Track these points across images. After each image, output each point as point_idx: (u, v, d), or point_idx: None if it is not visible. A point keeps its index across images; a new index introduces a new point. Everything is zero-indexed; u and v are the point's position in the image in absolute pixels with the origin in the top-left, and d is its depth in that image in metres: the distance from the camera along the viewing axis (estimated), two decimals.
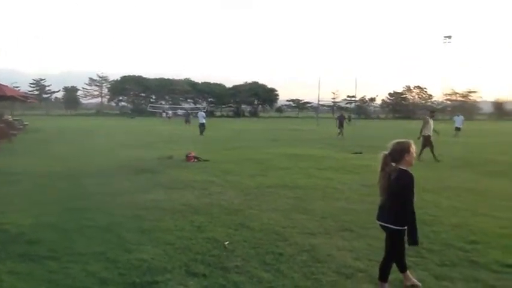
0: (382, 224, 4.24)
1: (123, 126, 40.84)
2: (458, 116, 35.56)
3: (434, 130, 16.48)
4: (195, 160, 14.31)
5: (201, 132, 28.37)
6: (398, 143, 4.28)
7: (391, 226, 4.14)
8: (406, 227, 4.11)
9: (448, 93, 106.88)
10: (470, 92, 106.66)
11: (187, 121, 43.82)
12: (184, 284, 4.33)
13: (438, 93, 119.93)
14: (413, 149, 4.25)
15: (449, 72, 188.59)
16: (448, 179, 11.34)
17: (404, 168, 4.15)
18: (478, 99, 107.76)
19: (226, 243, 5.59)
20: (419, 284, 4.37)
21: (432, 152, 15.74)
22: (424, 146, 15.92)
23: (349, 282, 4.43)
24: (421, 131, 16.35)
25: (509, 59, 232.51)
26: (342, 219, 6.93)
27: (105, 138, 25.15)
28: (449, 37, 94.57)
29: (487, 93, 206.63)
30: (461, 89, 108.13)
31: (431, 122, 16.51)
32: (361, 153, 17.85)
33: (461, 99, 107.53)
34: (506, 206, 8.07)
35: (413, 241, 4.13)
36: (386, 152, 4.24)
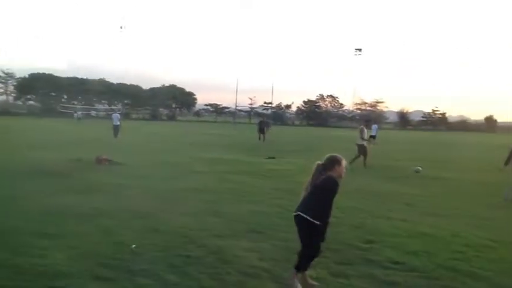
0: (301, 215, 4.50)
1: (30, 127, 38.49)
2: (374, 124, 37.41)
3: (362, 139, 17.05)
4: (107, 163, 13.94)
5: (115, 134, 27.57)
6: (332, 155, 4.75)
7: (309, 219, 4.47)
8: (319, 223, 4.49)
9: (358, 102, 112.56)
10: (377, 102, 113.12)
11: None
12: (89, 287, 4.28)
13: (349, 103, 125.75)
14: (344, 163, 4.70)
15: (359, 83, 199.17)
16: (351, 183, 12.03)
17: (334, 176, 4.59)
18: (385, 109, 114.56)
19: (133, 246, 5.57)
20: (316, 284, 4.66)
21: (364, 159, 16.59)
22: (359, 154, 16.64)
23: (253, 282, 4.63)
24: (361, 139, 16.92)
25: (412, 72, 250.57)
26: (251, 221, 7.16)
27: (10, 139, 23.62)
28: (360, 50, 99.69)
29: (392, 103, 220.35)
30: (369, 99, 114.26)
31: (365, 131, 17.30)
32: (274, 158, 18.39)
33: (369, 108, 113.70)
34: (399, 208, 8.81)
35: (324, 238, 4.62)
36: (320, 162, 4.68)
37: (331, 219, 4.46)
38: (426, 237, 6.64)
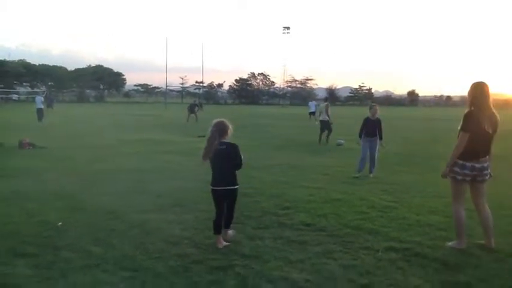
0: (227, 188, 5.19)
1: None
2: (311, 101, 38.46)
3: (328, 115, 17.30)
4: (30, 147, 13.61)
5: (40, 118, 26.51)
6: (220, 121, 5.25)
7: (232, 187, 5.23)
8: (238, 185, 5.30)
9: (289, 80, 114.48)
10: (307, 80, 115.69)
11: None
12: (12, 264, 4.44)
13: (280, 80, 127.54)
14: (231, 127, 5.29)
15: (289, 61, 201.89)
16: (273, 157, 12.66)
17: (228, 141, 5.14)
18: (314, 86, 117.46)
19: (59, 224, 5.73)
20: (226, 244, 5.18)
21: (328, 135, 17.09)
22: (322, 130, 17.07)
23: (174, 248, 4.97)
24: (327, 115, 17.23)
25: (342, 50, 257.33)
26: (176, 196, 7.47)
27: None
28: (288, 28, 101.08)
29: (321, 80, 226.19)
30: (299, 76, 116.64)
31: (321, 107, 17.88)
32: (204, 136, 18.63)
33: (300, 86, 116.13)
34: (316, 178, 9.48)
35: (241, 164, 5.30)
36: (214, 129, 5.16)
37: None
38: (336, 201, 7.29)
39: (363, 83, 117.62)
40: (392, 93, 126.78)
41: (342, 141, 16.36)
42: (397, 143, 16.52)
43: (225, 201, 5.28)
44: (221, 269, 4.37)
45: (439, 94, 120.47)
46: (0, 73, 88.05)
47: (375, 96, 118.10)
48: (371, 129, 10.04)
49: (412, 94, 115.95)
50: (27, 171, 9.69)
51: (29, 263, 4.48)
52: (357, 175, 9.74)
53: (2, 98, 67.67)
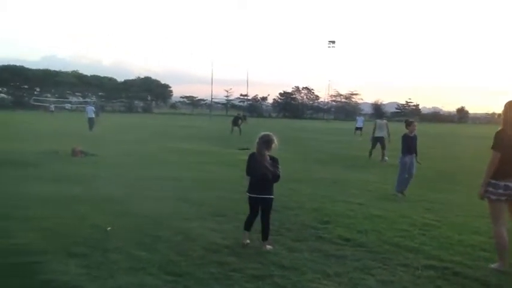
0: (259, 196, 5.53)
1: (3, 120, 38.09)
2: (359, 116, 37.92)
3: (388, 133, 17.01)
4: (82, 155, 14.25)
5: (90, 127, 27.65)
6: (266, 134, 5.58)
7: (269, 196, 5.56)
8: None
9: (333, 94, 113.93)
10: (352, 94, 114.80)
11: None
12: (64, 263, 4.74)
13: (324, 95, 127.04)
14: (276, 141, 5.57)
15: (334, 75, 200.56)
16: (316, 172, 12.70)
17: (270, 154, 5.45)
18: (360, 101, 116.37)
19: (108, 228, 6.03)
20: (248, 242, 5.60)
21: (382, 152, 16.45)
22: (374, 146, 16.79)
23: (215, 256, 5.15)
24: (373, 133, 17.03)
25: (387, 64, 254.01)
26: (217, 206, 7.68)
27: None
28: (334, 42, 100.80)
29: (367, 95, 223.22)
30: (344, 91, 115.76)
31: (381, 123, 17.29)
32: (248, 149, 18.89)
33: (345, 100, 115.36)
34: (358, 193, 9.46)
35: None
36: (260, 141, 5.49)
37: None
38: (377, 218, 7.28)
39: (409, 99, 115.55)
40: (441, 109, 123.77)
41: (386, 158, 16.18)
42: (442, 160, 16.20)
43: (259, 208, 5.58)
44: (260, 278, 4.50)
45: (490, 111, 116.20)
46: (54, 83, 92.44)
47: (422, 112, 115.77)
48: (411, 146, 9.85)
49: (461, 111, 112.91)
50: (79, 177, 10.19)
51: (79, 262, 4.77)
52: (398, 194, 9.51)
53: (56, 107, 70.82)
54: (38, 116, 50.46)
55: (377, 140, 16.83)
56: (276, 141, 5.55)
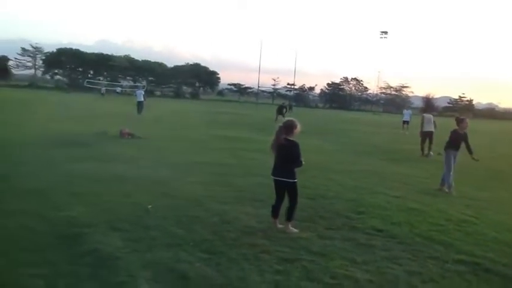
0: (279, 179, 5.74)
1: (59, 101, 39.87)
2: (407, 110, 36.93)
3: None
4: (129, 136, 14.83)
5: (139, 111, 28.45)
6: (289, 120, 5.86)
7: (288, 180, 5.69)
8: (296, 180, 5.73)
9: (383, 86, 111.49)
10: (403, 87, 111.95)
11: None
12: (107, 235, 5.11)
13: (373, 86, 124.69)
14: (299, 126, 5.78)
15: (385, 67, 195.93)
16: (357, 163, 12.67)
17: (291, 139, 5.65)
18: (410, 94, 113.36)
19: (149, 206, 6.37)
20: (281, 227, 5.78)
21: (430, 146, 16.12)
22: (424, 140, 16.37)
23: (248, 238, 5.37)
24: (421, 127, 16.66)
25: (439, 57, 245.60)
26: (256, 191, 7.89)
27: (41, 112, 24.81)
28: (386, 32, 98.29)
29: (417, 88, 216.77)
30: (394, 83, 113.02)
31: (429, 117, 16.85)
32: None
33: (394, 93, 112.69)
34: (397, 186, 9.42)
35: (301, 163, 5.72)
36: (281, 125, 5.77)
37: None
38: (413, 211, 7.27)
39: (463, 94, 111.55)
40: (497, 106, 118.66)
41: (431, 153, 15.87)
42: (491, 158, 15.70)
43: (283, 191, 5.78)
44: (288, 261, 4.68)
45: None
46: (107, 67, 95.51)
47: (476, 108, 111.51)
48: (458, 142, 9.69)
49: None
50: (125, 158, 10.68)
51: (121, 236, 5.11)
52: (450, 191, 9.22)
53: (107, 90, 73.19)
54: (91, 98, 52.38)
55: (426, 135, 16.48)
56: (298, 127, 5.76)
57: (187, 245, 4.94)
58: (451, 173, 9.48)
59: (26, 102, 34.24)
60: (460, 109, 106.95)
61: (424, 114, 17.51)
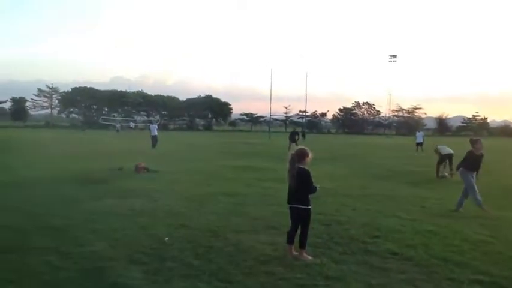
0: (294, 206, 5.91)
1: (74, 139, 40.63)
2: (419, 131, 36.90)
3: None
4: (145, 171, 15.07)
5: (154, 145, 28.88)
6: (301, 148, 6.07)
7: (302, 207, 5.87)
8: (310, 207, 5.91)
9: (395, 109, 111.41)
10: (415, 109, 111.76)
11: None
12: (127, 268, 5.24)
13: (385, 110, 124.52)
14: (311, 154, 5.99)
15: (395, 89, 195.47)
16: (371, 187, 12.69)
17: (303, 167, 5.82)
18: (423, 115, 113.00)
19: (166, 239, 6.51)
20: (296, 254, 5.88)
21: (451, 167, 15.89)
22: (441, 163, 16.31)
23: (264, 266, 5.46)
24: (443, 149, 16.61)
25: (450, 77, 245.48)
26: (271, 220, 7.98)
27: (58, 150, 25.32)
28: (395, 56, 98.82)
29: (430, 109, 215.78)
30: (406, 105, 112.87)
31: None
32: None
33: (407, 115, 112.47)
34: (411, 209, 9.42)
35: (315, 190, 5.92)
36: (293, 153, 5.98)
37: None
38: (428, 233, 7.28)
39: (477, 112, 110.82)
40: None
41: (446, 174, 15.81)
42: (506, 177, 15.60)
43: (298, 218, 5.91)
44: (304, 287, 4.74)
45: None
46: (121, 103, 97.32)
47: (491, 126, 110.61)
48: (476, 164, 9.63)
49: None
50: (142, 192, 10.86)
51: (140, 268, 5.25)
52: (483, 206, 9.30)
53: (122, 125, 74.39)
54: (106, 135, 53.21)
55: (446, 157, 16.36)
56: (310, 155, 5.98)
57: (204, 275, 5.04)
58: (476, 191, 9.42)
59: (42, 141, 34.97)
60: (475, 128, 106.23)
61: (438, 146, 17.12)
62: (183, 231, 7.05)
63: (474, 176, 9.65)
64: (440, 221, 8.35)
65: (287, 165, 6.02)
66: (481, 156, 9.71)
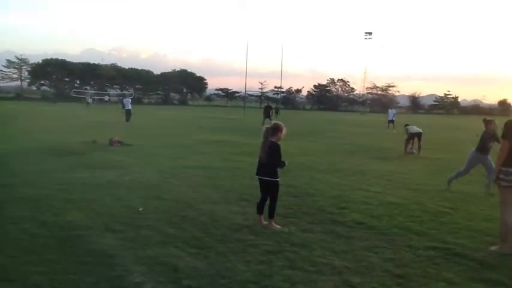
0: (263, 178, 6.17)
1: (46, 111, 39.95)
2: (391, 109, 37.46)
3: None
4: (119, 144, 15.12)
5: (127, 119, 28.70)
6: (276, 123, 6.32)
7: (270, 179, 6.14)
8: (278, 179, 6.17)
9: (369, 86, 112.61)
10: (389, 86, 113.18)
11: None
12: (103, 236, 5.44)
13: (360, 87, 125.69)
14: (285, 130, 6.20)
15: (370, 67, 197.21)
16: (342, 162, 13.09)
17: (275, 140, 6.07)
18: (396, 93, 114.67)
19: (140, 209, 6.72)
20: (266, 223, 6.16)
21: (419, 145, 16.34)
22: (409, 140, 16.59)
23: (235, 234, 5.73)
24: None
25: (425, 55, 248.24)
26: (243, 192, 8.25)
27: (29, 123, 24.98)
28: (370, 33, 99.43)
29: (403, 87, 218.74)
30: (381, 83, 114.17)
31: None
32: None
33: (381, 92, 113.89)
34: (378, 183, 9.84)
35: (283, 164, 6.14)
36: (268, 127, 6.25)
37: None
38: (392, 205, 7.68)
39: (448, 91, 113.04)
40: (481, 102, 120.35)
41: (414, 151, 16.33)
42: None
43: (267, 190, 6.19)
44: (272, 253, 5.05)
45: None
46: (94, 76, 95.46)
47: (461, 105, 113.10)
48: (489, 145, 9.32)
49: (503, 103, 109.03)
50: (116, 164, 10.99)
51: (116, 236, 5.45)
52: (449, 183, 9.48)
53: (94, 99, 73.19)
54: (78, 108, 52.33)
55: (415, 136, 16.76)
56: (284, 130, 6.19)
57: (177, 242, 5.29)
58: (464, 174, 9.58)
59: (13, 113, 34.29)
60: (446, 106, 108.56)
61: (407, 127, 17.39)
62: (158, 202, 7.26)
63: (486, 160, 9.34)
64: (404, 193, 8.77)
65: (261, 138, 6.24)
66: (494, 134, 9.25)
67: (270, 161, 6.10)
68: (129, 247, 5.08)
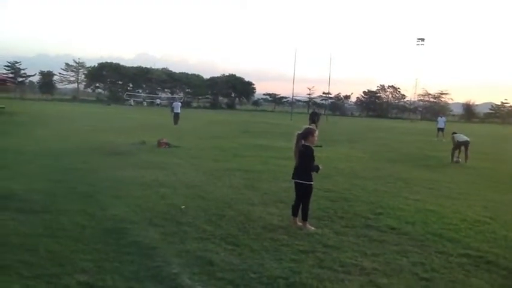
0: (297, 181, 6.43)
1: (100, 113, 41.74)
2: (441, 117, 36.64)
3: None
4: (166, 146, 15.72)
5: (176, 122, 29.56)
6: (307, 128, 6.50)
7: (304, 182, 6.37)
8: (312, 183, 6.41)
9: (421, 93, 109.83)
10: (442, 94, 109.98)
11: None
12: (146, 230, 5.84)
13: (411, 94, 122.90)
14: (316, 133, 6.44)
15: (422, 74, 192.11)
16: (384, 169, 13.06)
17: (308, 144, 6.28)
18: (449, 101, 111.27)
19: (183, 207, 7.10)
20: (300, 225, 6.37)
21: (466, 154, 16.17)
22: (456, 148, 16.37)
23: (270, 234, 5.98)
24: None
25: (479, 63, 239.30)
26: (281, 195, 8.47)
27: (84, 123, 26.26)
28: (423, 39, 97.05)
29: (457, 95, 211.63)
30: (433, 90, 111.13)
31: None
32: (321, 146, 19.43)
33: (433, 100, 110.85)
34: (419, 191, 9.79)
35: (317, 169, 6.41)
36: (299, 132, 6.39)
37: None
38: (429, 212, 7.68)
39: (506, 99, 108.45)
40: None
41: (460, 160, 16.01)
42: None
43: (301, 192, 6.39)
44: (304, 252, 5.27)
45: None
46: (146, 80, 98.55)
47: None
48: None
49: None
50: (163, 165, 11.50)
51: (158, 230, 5.84)
52: None
53: (147, 102, 75.55)
54: (131, 110, 54.30)
55: (462, 144, 16.42)
56: (316, 133, 6.43)
57: (214, 238, 5.61)
58: None
59: (70, 114, 36.10)
60: (503, 115, 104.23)
61: (454, 135, 17.06)
62: (199, 201, 7.62)
63: None
64: (444, 201, 8.72)
65: (293, 142, 6.48)
66: None
67: (303, 164, 6.33)
68: (170, 241, 5.44)
